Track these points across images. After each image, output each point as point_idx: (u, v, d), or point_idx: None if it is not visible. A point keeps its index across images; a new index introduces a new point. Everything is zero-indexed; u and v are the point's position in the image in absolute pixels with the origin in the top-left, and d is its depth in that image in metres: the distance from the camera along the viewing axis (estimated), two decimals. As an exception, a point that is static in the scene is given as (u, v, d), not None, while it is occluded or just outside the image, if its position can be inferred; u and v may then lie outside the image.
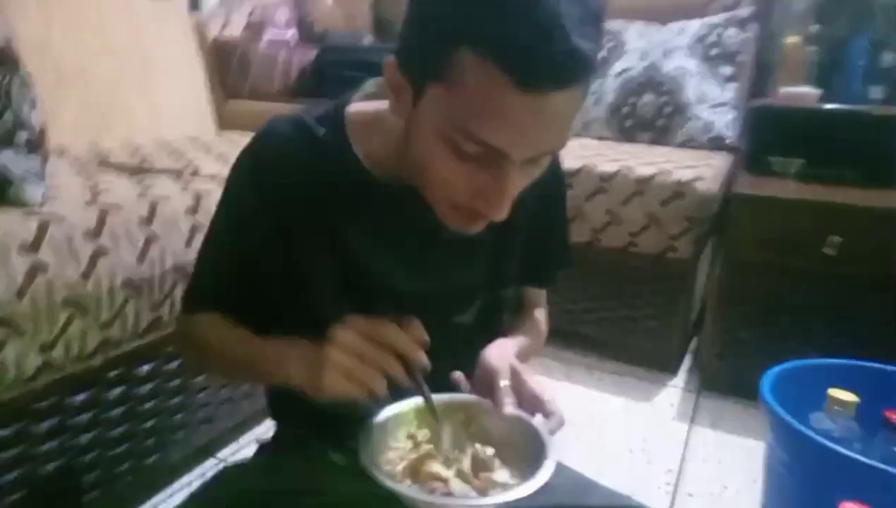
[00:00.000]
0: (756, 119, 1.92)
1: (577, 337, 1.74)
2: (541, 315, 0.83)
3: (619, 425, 1.44)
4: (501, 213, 0.55)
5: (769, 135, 1.89)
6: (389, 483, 0.53)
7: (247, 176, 0.67)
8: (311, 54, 2.21)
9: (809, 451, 0.83)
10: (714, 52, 2.05)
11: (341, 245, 0.66)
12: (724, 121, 2.01)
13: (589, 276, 1.70)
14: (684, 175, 1.59)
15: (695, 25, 2.09)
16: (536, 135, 0.51)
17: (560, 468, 0.55)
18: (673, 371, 1.67)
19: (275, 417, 0.80)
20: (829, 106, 1.86)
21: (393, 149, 0.61)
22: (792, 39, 2.03)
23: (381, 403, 0.61)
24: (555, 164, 0.72)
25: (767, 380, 0.92)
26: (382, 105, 0.62)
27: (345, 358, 0.54)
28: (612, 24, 2.18)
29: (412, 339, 0.56)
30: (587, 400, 1.52)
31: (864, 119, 1.81)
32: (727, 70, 2.05)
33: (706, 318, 1.60)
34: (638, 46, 2.12)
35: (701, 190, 1.56)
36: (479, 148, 0.51)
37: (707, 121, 2.02)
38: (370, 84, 0.71)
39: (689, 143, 2.03)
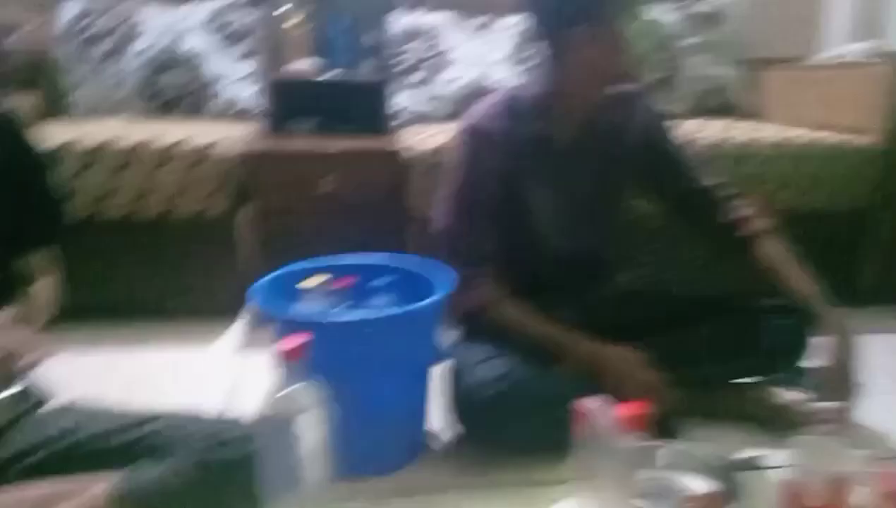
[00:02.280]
0: (273, 90, 2.20)
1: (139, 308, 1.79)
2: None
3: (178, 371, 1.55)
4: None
5: (285, 102, 2.20)
6: None
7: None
8: None
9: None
10: (228, 30, 2.26)
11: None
12: (248, 94, 2.25)
13: (137, 248, 1.77)
14: (203, 140, 1.75)
15: (205, 8, 2.26)
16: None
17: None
18: (233, 313, 1.85)
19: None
20: (328, 76, 2.25)
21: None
22: (292, 20, 2.35)
23: None
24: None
25: (254, 291, 1.12)
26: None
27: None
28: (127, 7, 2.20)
29: None
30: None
31: (352, 85, 2.26)
32: (243, 47, 2.28)
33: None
34: (155, 26, 2.19)
35: (219, 153, 1.74)
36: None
37: (232, 95, 2.23)
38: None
39: (219, 116, 2.21)
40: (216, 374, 1.52)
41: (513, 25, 2.27)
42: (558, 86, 1.21)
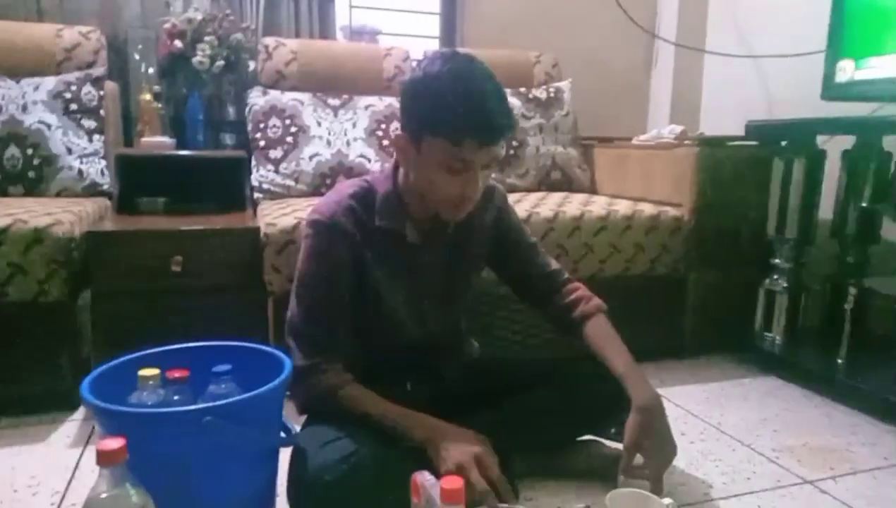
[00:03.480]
0: (121, 165, 2.16)
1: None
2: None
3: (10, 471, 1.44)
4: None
5: (134, 178, 2.16)
6: None
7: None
8: None
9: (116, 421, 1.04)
10: (73, 106, 2.20)
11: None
12: (97, 170, 2.18)
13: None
14: (42, 221, 1.68)
15: (50, 82, 2.19)
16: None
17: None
18: (74, 406, 1.75)
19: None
20: (181, 152, 2.23)
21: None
22: (145, 96, 2.34)
23: None
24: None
25: (87, 384, 1.09)
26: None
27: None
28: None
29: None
30: None
31: (207, 160, 2.26)
32: (90, 123, 2.22)
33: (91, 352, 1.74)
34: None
35: (58, 233, 1.68)
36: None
37: (79, 170, 2.15)
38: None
39: (65, 192, 2.13)
40: (51, 473, 1.43)
41: (371, 105, 2.39)
42: (410, 186, 1.25)
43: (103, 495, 0.78)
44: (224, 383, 1.17)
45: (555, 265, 1.47)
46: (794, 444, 1.62)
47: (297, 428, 1.21)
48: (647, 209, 2.14)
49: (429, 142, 1.15)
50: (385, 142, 2.34)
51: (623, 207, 2.13)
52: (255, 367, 1.19)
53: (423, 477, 0.99)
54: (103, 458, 0.78)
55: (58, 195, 2.12)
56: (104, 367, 1.15)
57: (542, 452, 1.40)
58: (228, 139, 2.46)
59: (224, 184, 2.26)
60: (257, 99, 2.34)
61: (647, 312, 2.08)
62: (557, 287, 1.43)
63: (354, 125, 2.35)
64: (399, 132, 1.21)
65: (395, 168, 1.30)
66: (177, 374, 1.10)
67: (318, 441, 1.15)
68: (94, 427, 1.65)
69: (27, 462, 1.49)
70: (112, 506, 0.78)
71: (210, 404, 1.04)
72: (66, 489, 1.38)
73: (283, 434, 1.16)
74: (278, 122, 2.30)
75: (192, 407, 1.02)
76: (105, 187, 2.18)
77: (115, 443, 0.77)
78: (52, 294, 1.68)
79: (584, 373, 1.35)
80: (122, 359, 1.18)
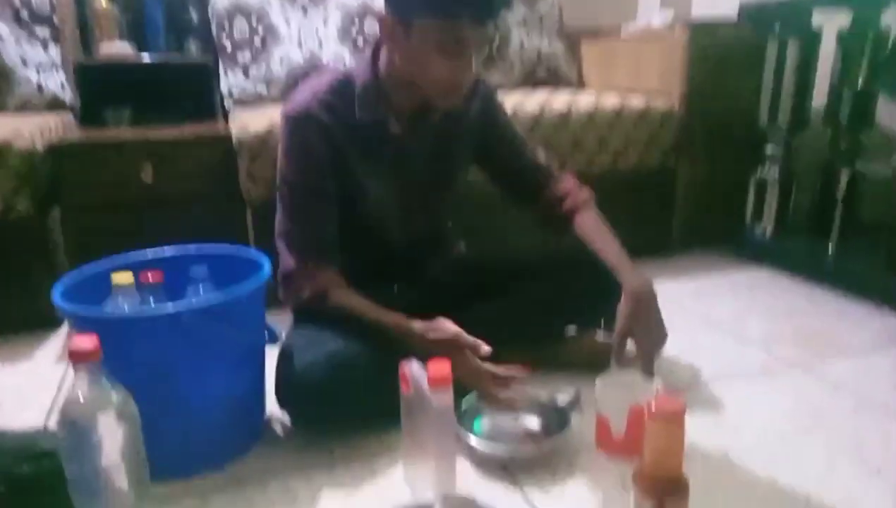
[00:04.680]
0: (82, 76, 2.04)
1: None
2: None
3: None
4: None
5: (96, 89, 2.04)
6: None
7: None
8: None
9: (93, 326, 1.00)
10: (24, 13, 2.05)
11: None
12: (56, 82, 2.06)
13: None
14: (4, 134, 1.59)
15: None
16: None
17: None
18: (55, 324, 1.72)
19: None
20: (145, 60, 2.11)
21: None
22: (99, 0, 2.18)
23: None
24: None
25: (59, 292, 1.05)
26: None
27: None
28: None
29: None
30: None
31: (173, 67, 2.14)
32: (44, 32, 2.08)
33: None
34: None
35: (21, 147, 1.59)
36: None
37: (38, 84, 2.03)
38: None
39: (25, 107, 2.02)
40: (38, 388, 1.42)
41: (342, 1, 2.25)
42: (396, 73, 1.17)
43: (80, 394, 0.75)
44: (202, 286, 1.13)
45: (542, 158, 1.42)
46: (784, 330, 1.62)
47: (283, 331, 1.19)
48: (636, 101, 2.06)
49: (420, 22, 1.07)
50: (360, 41, 2.21)
51: (611, 100, 2.05)
52: (233, 271, 1.15)
53: (412, 366, 0.97)
54: (76, 357, 0.74)
55: (18, 110, 2.01)
56: (76, 274, 1.11)
57: (533, 345, 1.39)
58: (192, 44, 2.31)
59: (191, 93, 2.15)
60: (221, -1, 2.19)
61: (636, 208, 2.03)
62: (545, 181, 1.38)
63: (325, 23, 2.22)
64: (384, 14, 1.12)
65: (375, 56, 1.21)
66: (150, 277, 1.06)
67: (304, 340, 1.13)
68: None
69: (13, 379, 1.47)
70: (91, 405, 0.76)
71: (187, 304, 1.01)
72: (53, 403, 1.36)
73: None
74: (244, 24, 2.16)
75: (170, 307, 0.99)
76: (67, 101, 2.07)
77: (87, 341, 0.74)
78: (18, 211, 1.62)
79: (573, 263, 1.32)
80: (94, 267, 1.14)
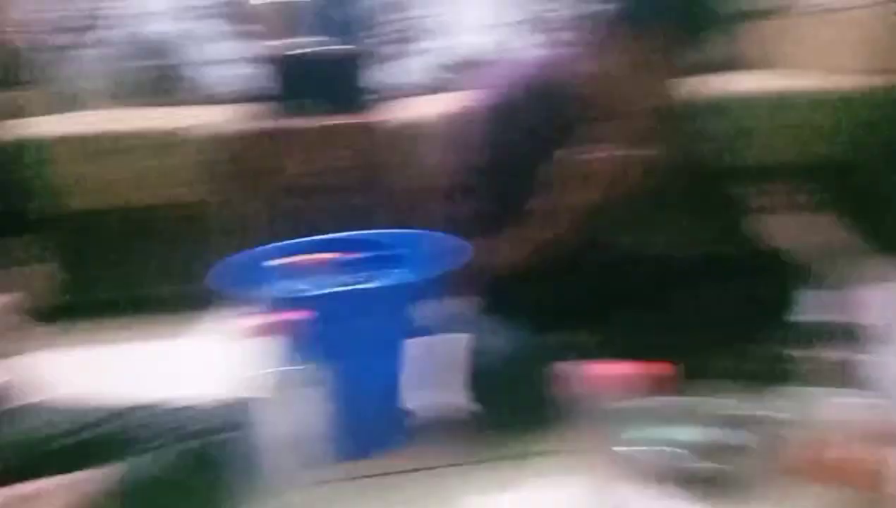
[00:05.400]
0: (269, 68, 2.11)
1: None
2: None
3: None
4: None
5: (283, 80, 2.10)
6: None
7: None
8: None
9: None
10: (198, 11, 2.19)
11: None
12: (224, 76, 2.17)
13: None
14: (183, 124, 1.70)
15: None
16: None
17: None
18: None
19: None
20: (332, 48, 2.17)
21: None
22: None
23: None
24: None
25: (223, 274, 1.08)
26: None
27: None
28: None
29: None
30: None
31: (328, 58, 2.18)
32: (215, 27, 2.20)
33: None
34: (122, 13, 2.13)
35: (199, 136, 1.69)
36: None
37: (205, 78, 2.16)
38: None
39: (193, 100, 2.14)
40: (202, 364, 1.48)
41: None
42: (608, 78, 1.10)
43: (279, 368, 0.75)
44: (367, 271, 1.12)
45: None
46: None
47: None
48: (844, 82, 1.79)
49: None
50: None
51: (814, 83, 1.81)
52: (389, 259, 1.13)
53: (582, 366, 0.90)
54: (279, 330, 0.74)
55: (187, 103, 2.13)
56: (234, 257, 1.13)
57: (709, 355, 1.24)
58: (346, 34, 2.34)
59: (342, 82, 2.18)
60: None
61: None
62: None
63: (486, 12, 2.17)
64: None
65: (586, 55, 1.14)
66: (318, 260, 1.06)
67: (491, 333, 1.10)
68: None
69: (175, 354, 1.53)
70: (292, 377, 0.75)
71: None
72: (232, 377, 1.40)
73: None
74: (402, 13, 2.17)
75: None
76: (251, 91, 2.15)
77: (290, 316, 0.74)
78: (192, 195, 1.71)
79: (762, 260, 1.17)
80: (247, 253, 1.15)
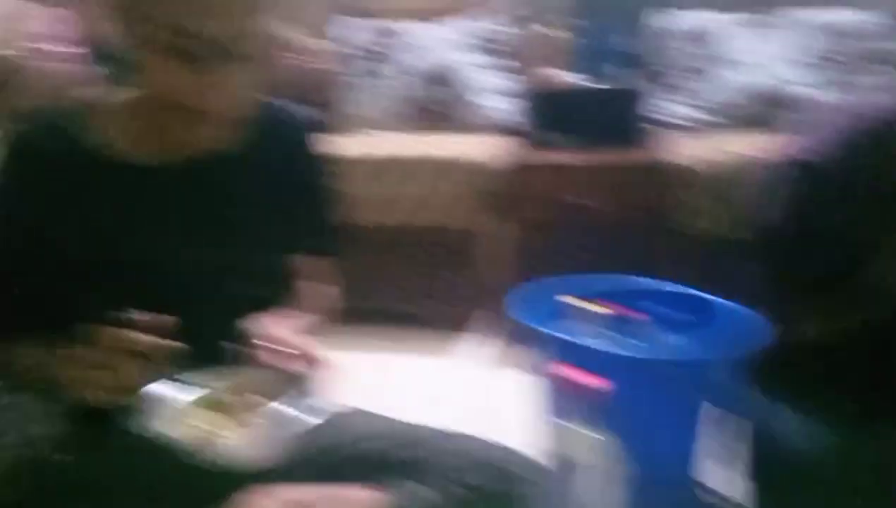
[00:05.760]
0: (534, 102, 2.15)
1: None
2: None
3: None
4: None
5: (545, 114, 2.13)
6: None
7: None
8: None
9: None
10: (487, 44, 2.28)
11: None
12: (505, 107, 2.23)
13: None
14: (467, 153, 1.76)
15: (470, 23, 2.30)
16: None
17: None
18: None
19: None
20: (596, 85, 2.16)
21: None
22: (551, 30, 2.30)
23: None
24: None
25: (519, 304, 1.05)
26: None
27: None
28: (392, 25, 2.32)
29: None
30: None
31: (607, 93, 2.14)
32: (500, 61, 2.27)
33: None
34: (417, 43, 2.28)
35: (476, 164, 1.73)
36: None
37: (490, 108, 2.23)
38: None
39: (475, 129, 2.22)
40: (461, 388, 1.48)
41: (808, 20, 1.96)
42: None
43: (576, 429, 0.70)
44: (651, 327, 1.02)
45: None
46: None
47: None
48: None
49: None
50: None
51: None
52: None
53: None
54: (578, 389, 0.69)
55: (469, 131, 2.21)
56: (531, 287, 1.09)
57: None
58: (627, 70, 2.27)
59: (621, 117, 2.10)
60: (659, 23, 2.10)
61: None
62: None
63: (781, 46, 1.96)
64: None
65: None
66: (630, 313, 0.98)
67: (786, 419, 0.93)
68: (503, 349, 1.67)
69: (436, 373, 1.57)
70: (586, 442, 0.69)
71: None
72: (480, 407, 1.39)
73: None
74: (685, 48, 2.05)
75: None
76: (512, 123, 2.20)
77: (593, 379, 0.68)
78: (466, 221, 1.75)
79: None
80: (542, 282, 1.10)
